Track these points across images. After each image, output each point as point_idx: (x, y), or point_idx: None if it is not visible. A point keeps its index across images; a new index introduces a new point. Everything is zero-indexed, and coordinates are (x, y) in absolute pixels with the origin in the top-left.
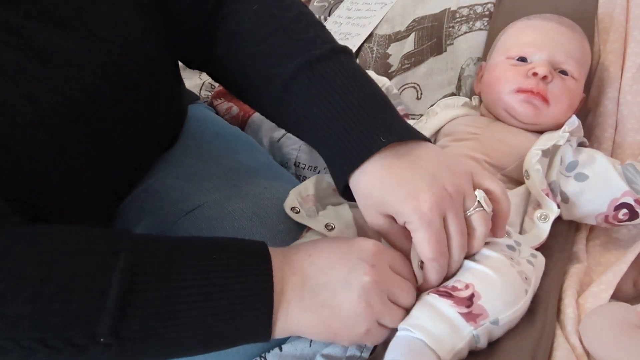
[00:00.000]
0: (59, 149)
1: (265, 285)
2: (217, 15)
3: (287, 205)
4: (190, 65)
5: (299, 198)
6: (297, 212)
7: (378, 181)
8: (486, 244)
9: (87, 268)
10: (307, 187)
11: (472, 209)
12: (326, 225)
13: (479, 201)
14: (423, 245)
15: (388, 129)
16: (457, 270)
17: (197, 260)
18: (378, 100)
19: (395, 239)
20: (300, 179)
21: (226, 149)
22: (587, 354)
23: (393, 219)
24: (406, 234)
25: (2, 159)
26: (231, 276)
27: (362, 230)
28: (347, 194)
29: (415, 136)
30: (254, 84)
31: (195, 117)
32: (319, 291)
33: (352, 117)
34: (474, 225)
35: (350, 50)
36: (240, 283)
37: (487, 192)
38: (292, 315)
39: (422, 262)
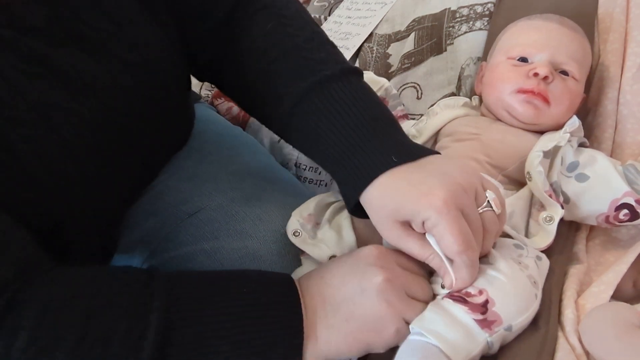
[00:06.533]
0: (82, 176)
1: (295, 321)
2: (233, 33)
3: (289, 228)
4: (202, 79)
5: (300, 219)
6: (298, 236)
7: (390, 189)
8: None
9: (125, 311)
10: (309, 206)
11: (481, 207)
12: (330, 259)
13: (488, 201)
14: (447, 238)
15: (400, 148)
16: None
17: (228, 297)
18: (388, 121)
19: (414, 247)
20: (301, 179)
21: (229, 151)
22: (587, 354)
23: (409, 227)
24: (424, 241)
25: (32, 195)
26: (263, 311)
27: None
28: (356, 212)
29: (425, 154)
30: (265, 102)
31: (198, 117)
32: (339, 307)
33: (363, 136)
34: (485, 224)
35: (361, 71)
36: (271, 318)
37: None
38: (320, 338)
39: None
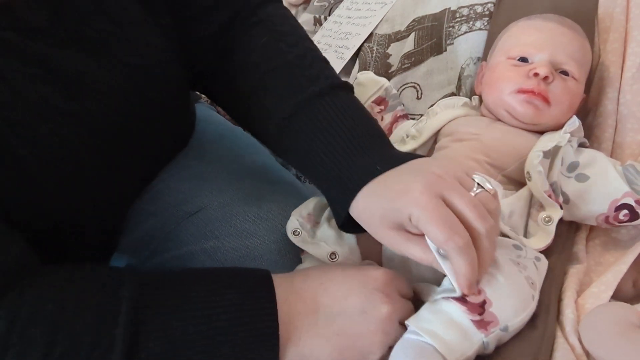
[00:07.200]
0: (82, 177)
1: (269, 324)
2: (228, 44)
3: (289, 228)
4: (194, 88)
5: (300, 218)
6: (298, 235)
7: (373, 197)
8: None
9: (91, 325)
10: (308, 206)
11: (472, 191)
12: (330, 256)
13: (478, 183)
14: (430, 229)
15: (383, 159)
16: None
17: (199, 304)
18: (372, 134)
19: (417, 251)
20: (301, 179)
21: (229, 151)
22: (587, 354)
23: (405, 231)
24: (426, 245)
25: (31, 196)
26: (235, 317)
27: (367, 251)
28: (346, 227)
29: (409, 159)
30: (256, 116)
31: (199, 117)
32: (334, 319)
33: (348, 152)
34: (483, 203)
35: (350, 85)
36: (243, 325)
37: None
38: (303, 343)
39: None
